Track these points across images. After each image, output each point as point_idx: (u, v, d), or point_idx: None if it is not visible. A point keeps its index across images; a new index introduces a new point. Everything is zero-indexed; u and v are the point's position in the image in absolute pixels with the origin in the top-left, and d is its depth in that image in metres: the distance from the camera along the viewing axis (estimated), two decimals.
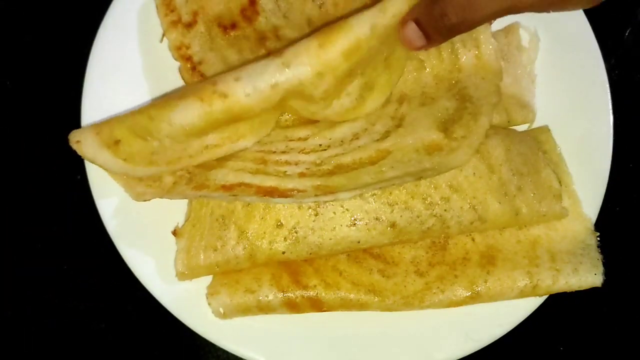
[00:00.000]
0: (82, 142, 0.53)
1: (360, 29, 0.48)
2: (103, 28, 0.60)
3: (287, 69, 0.49)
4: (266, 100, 0.50)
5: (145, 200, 0.56)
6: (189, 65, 0.59)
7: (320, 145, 0.57)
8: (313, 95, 0.51)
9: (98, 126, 0.53)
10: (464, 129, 0.55)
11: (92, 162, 0.54)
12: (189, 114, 0.51)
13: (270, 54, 0.51)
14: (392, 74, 0.55)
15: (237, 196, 0.54)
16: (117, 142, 0.53)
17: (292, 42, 0.51)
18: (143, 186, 0.56)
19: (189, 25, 0.59)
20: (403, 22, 0.49)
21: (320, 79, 0.50)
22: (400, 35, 0.51)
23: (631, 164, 0.70)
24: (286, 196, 0.53)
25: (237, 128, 0.54)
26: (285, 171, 0.54)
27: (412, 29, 0.50)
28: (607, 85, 0.61)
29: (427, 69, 0.57)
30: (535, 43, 0.62)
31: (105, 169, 0.54)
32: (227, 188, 0.54)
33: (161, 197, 0.56)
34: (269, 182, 0.54)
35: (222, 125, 0.53)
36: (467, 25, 0.48)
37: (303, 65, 0.49)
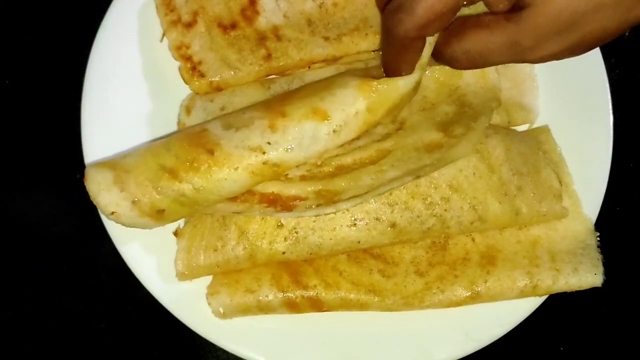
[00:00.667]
0: (120, 215, 0.51)
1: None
2: (103, 28, 0.60)
3: (338, 136, 0.51)
4: (311, 159, 0.53)
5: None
6: (189, 65, 0.59)
7: None
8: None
9: (131, 194, 0.50)
10: (464, 127, 0.55)
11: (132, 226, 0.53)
12: (240, 185, 0.51)
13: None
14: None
15: (241, 212, 0.54)
16: (160, 212, 0.51)
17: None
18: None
19: (189, 25, 0.59)
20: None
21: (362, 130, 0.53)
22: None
23: (631, 164, 0.70)
24: (289, 208, 0.53)
25: None
26: (287, 174, 0.54)
27: None
28: (607, 85, 0.61)
29: (428, 74, 0.57)
30: None
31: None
32: (231, 198, 0.53)
33: (173, 221, 0.55)
34: (271, 187, 0.53)
35: None
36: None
37: (351, 132, 0.52)
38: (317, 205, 0.53)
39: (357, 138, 0.56)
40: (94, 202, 0.50)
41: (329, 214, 0.54)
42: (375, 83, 0.51)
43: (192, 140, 0.52)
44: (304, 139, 0.51)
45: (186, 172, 0.50)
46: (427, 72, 0.58)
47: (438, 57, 0.51)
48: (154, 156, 0.51)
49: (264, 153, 0.50)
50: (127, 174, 0.51)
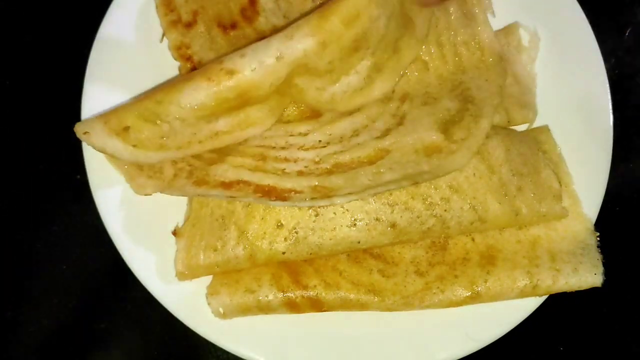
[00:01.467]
0: (91, 133, 0.53)
1: None
2: (103, 28, 0.60)
3: (290, 41, 0.50)
4: (272, 74, 0.51)
5: (146, 194, 0.56)
6: (188, 65, 0.59)
7: (320, 141, 0.57)
8: (318, 68, 0.52)
9: (105, 115, 0.54)
10: (464, 130, 0.55)
11: (102, 151, 0.54)
12: (198, 94, 0.51)
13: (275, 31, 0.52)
14: (400, 59, 0.56)
15: (235, 197, 0.54)
16: (126, 129, 0.53)
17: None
18: (144, 177, 0.56)
19: (189, 25, 0.59)
20: None
21: (324, 48, 0.51)
22: None
23: (631, 164, 0.70)
24: (283, 199, 0.53)
25: (247, 114, 0.55)
26: (284, 169, 0.54)
27: None
28: (607, 85, 0.61)
29: (431, 70, 0.57)
30: (535, 43, 0.62)
31: (115, 157, 0.55)
32: (226, 186, 0.54)
33: (162, 192, 0.56)
34: (268, 180, 0.54)
35: (232, 108, 0.53)
36: None
37: (306, 36, 0.51)
38: (312, 198, 0.53)
39: (357, 134, 0.56)
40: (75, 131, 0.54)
41: (322, 206, 0.54)
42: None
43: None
44: (258, 47, 0.51)
45: (153, 94, 0.53)
46: (430, 70, 0.58)
47: None
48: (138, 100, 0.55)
49: (221, 62, 0.51)
50: (114, 110, 0.55)
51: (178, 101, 0.52)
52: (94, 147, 0.54)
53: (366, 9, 0.50)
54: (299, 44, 0.50)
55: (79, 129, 0.53)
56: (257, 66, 0.50)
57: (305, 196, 0.53)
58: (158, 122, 0.53)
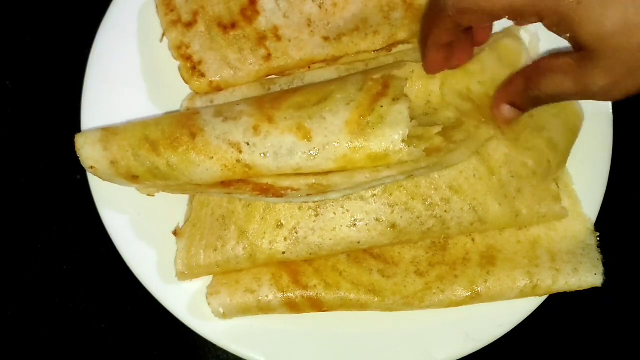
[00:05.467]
0: (97, 169, 0.53)
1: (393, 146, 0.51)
2: (103, 28, 0.60)
3: (314, 160, 0.51)
4: (283, 172, 0.53)
5: (149, 195, 0.57)
6: (189, 65, 0.59)
7: None
8: None
9: (112, 154, 0.53)
10: (464, 133, 0.55)
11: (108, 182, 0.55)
12: (211, 175, 0.52)
13: (298, 128, 0.52)
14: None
15: (232, 194, 0.54)
16: (135, 177, 0.53)
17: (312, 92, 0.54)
18: None
19: (189, 25, 0.59)
20: (497, 105, 0.55)
21: (341, 169, 0.52)
22: (496, 115, 0.56)
23: (631, 164, 0.70)
24: (280, 195, 0.53)
25: None
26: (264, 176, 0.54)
27: (508, 110, 0.55)
28: None
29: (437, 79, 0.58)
30: (535, 43, 0.62)
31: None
32: (225, 184, 0.54)
33: (163, 190, 0.56)
34: (266, 179, 0.54)
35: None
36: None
37: (328, 160, 0.51)
38: (308, 194, 0.53)
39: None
40: (78, 154, 0.53)
41: (317, 201, 0.54)
42: (365, 122, 0.51)
43: (181, 120, 0.53)
44: (281, 150, 0.51)
45: (165, 149, 0.52)
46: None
47: (522, 106, 0.54)
48: (143, 127, 0.54)
49: (240, 152, 0.51)
50: (114, 136, 0.53)
51: (190, 175, 0.52)
52: (100, 178, 0.55)
53: (396, 156, 0.51)
54: (320, 164, 0.52)
55: (86, 162, 0.53)
56: (275, 170, 0.52)
57: (302, 193, 0.53)
58: (167, 181, 0.54)
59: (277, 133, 0.51)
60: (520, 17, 0.45)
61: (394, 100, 0.51)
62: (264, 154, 0.51)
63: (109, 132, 0.54)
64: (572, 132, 0.60)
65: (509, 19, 0.46)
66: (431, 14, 0.51)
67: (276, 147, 0.51)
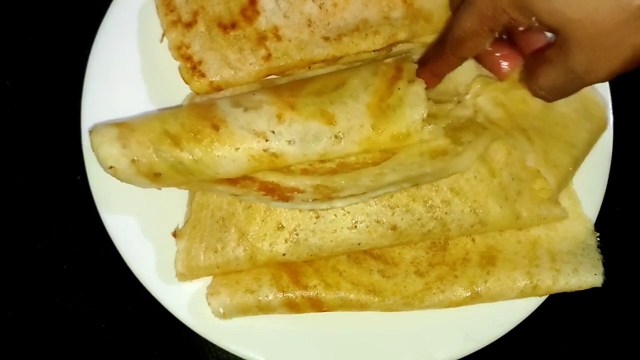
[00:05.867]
0: (118, 169, 0.51)
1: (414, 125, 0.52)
2: (103, 28, 0.60)
3: (339, 144, 0.52)
4: (309, 160, 0.53)
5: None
6: (189, 65, 0.59)
7: None
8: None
9: (132, 152, 0.51)
10: (472, 134, 0.55)
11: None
12: (238, 166, 0.52)
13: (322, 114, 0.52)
14: None
15: (239, 196, 0.54)
16: (157, 175, 0.52)
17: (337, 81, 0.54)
18: None
19: (189, 25, 0.59)
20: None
21: (365, 152, 0.54)
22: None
23: (631, 164, 0.70)
24: (285, 199, 0.53)
25: None
26: (290, 166, 0.54)
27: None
28: (607, 85, 0.61)
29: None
30: None
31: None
32: (232, 181, 0.54)
33: (168, 186, 0.56)
34: (272, 177, 0.54)
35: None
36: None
37: (353, 143, 0.52)
38: (314, 200, 0.53)
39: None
40: (95, 154, 0.51)
41: (323, 209, 0.54)
42: (385, 104, 0.52)
43: (200, 112, 0.53)
44: (307, 136, 0.52)
45: (188, 142, 0.51)
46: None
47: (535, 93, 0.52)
48: (161, 121, 0.52)
49: (266, 140, 0.51)
50: (131, 132, 0.51)
51: (216, 168, 0.52)
52: (118, 179, 0.53)
53: (418, 134, 0.53)
54: (345, 148, 0.52)
55: (104, 162, 0.51)
56: (301, 157, 0.52)
57: (307, 197, 0.53)
58: (190, 176, 0.53)
59: (301, 120, 0.51)
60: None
61: (409, 82, 0.53)
62: (290, 141, 0.51)
63: (125, 128, 0.51)
64: (596, 125, 0.59)
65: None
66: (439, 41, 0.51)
67: (302, 134, 0.51)
